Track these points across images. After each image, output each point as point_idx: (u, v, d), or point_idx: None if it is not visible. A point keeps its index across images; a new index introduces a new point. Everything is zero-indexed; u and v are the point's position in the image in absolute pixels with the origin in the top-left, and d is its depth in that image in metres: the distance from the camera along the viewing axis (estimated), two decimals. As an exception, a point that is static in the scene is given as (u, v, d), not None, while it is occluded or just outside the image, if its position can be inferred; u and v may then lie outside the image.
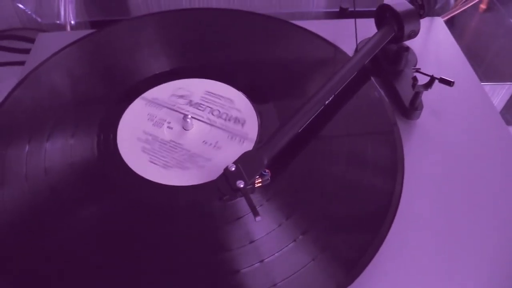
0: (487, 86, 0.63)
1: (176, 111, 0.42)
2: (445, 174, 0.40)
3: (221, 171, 0.34)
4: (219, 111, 0.42)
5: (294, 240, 0.33)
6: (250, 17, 0.52)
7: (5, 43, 0.66)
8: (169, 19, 0.52)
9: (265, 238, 0.33)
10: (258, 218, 0.31)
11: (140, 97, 0.43)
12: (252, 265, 0.32)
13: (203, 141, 0.40)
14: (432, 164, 0.41)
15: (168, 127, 0.41)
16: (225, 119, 0.41)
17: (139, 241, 0.34)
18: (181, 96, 0.43)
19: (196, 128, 0.41)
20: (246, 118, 0.42)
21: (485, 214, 0.38)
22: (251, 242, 0.33)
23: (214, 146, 0.39)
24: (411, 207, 0.37)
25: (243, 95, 0.44)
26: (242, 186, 0.32)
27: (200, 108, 0.42)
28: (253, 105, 0.43)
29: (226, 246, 0.33)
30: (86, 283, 0.32)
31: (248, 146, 0.39)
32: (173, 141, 0.40)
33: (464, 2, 0.63)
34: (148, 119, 0.41)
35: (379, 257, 0.33)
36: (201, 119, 0.42)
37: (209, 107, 0.43)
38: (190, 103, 0.43)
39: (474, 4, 0.63)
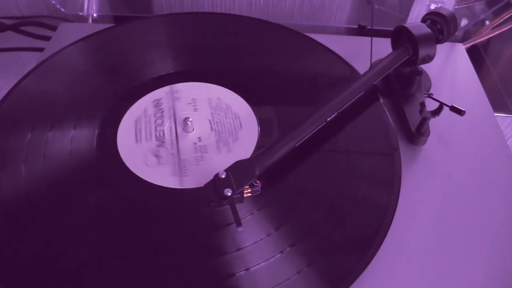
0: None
1: (176, 113, 0.42)
2: (443, 204, 0.39)
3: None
4: (219, 114, 0.42)
5: (281, 252, 0.33)
6: (259, 24, 0.52)
7: (31, 29, 0.67)
8: (179, 22, 0.53)
9: (253, 246, 0.33)
10: (240, 229, 0.31)
11: (141, 99, 0.44)
12: (238, 272, 0.32)
13: (204, 144, 0.40)
14: (431, 192, 0.40)
15: (168, 129, 0.41)
16: (225, 123, 0.42)
17: (128, 237, 0.34)
18: (180, 99, 0.44)
19: (197, 131, 0.41)
20: (246, 122, 0.42)
21: (479, 252, 0.37)
22: (238, 249, 0.33)
23: (215, 149, 0.40)
24: (402, 232, 0.37)
25: (244, 101, 0.44)
26: (229, 194, 0.32)
27: (200, 110, 0.43)
28: (253, 110, 0.43)
29: (213, 252, 0.33)
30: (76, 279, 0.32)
31: (249, 148, 0.40)
32: (174, 143, 0.40)
33: (491, 29, 0.61)
34: (148, 121, 0.41)
35: (362, 279, 0.32)
36: (201, 121, 0.42)
37: (210, 110, 0.43)
38: (190, 106, 0.43)
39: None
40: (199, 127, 0.41)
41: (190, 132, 0.41)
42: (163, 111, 0.42)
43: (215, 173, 0.33)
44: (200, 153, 0.39)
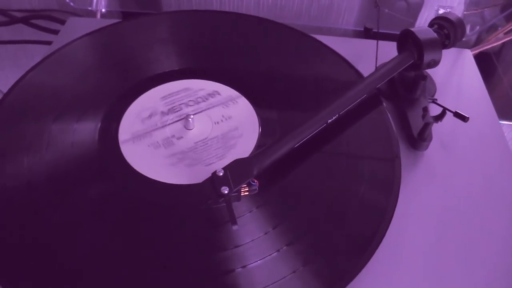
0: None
1: (177, 110, 0.42)
2: (442, 210, 0.39)
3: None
4: (192, 100, 0.43)
5: (278, 250, 0.33)
6: (265, 24, 0.52)
7: (41, 22, 0.68)
8: (186, 19, 0.53)
9: (250, 244, 0.34)
10: (235, 227, 0.31)
11: (144, 94, 0.44)
12: (235, 269, 0.32)
13: (206, 139, 0.40)
14: (431, 198, 0.40)
15: (169, 125, 0.41)
16: (227, 121, 0.42)
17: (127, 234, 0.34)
18: (184, 96, 0.44)
19: (198, 128, 0.41)
20: (247, 121, 0.42)
21: (477, 259, 0.36)
22: (236, 246, 0.33)
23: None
24: (399, 235, 0.37)
25: (247, 99, 0.44)
26: (226, 192, 0.32)
27: (202, 108, 0.43)
28: (255, 110, 0.43)
29: (211, 248, 0.33)
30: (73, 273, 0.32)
31: (249, 147, 0.40)
32: (175, 139, 0.40)
33: (503, 35, 0.60)
34: (150, 116, 0.42)
35: (357, 281, 0.32)
36: (203, 119, 0.42)
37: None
38: (189, 102, 0.43)
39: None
40: (200, 125, 0.41)
41: (191, 129, 0.41)
42: (165, 107, 0.43)
43: (213, 170, 0.33)
44: (200, 151, 0.39)
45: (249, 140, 0.40)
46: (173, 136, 0.40)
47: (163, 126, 0.41)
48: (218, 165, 0.34)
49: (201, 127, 0.41)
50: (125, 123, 0.41)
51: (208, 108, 0.43)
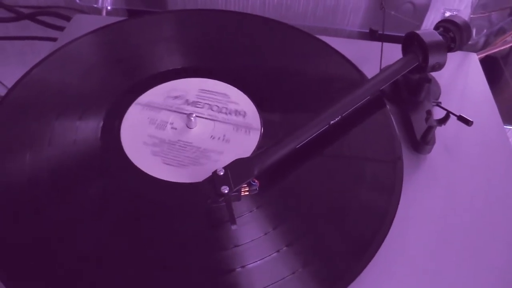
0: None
1: (176, 111, 0.42)
2: (444, 214, 0.39)
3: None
4: (217, 106, 0.43)
5: (278, 251, 0.33)
6: (269, 24, 0.52)
7: (46, 18, 0.68)
8: (190, 18, 0.53)
9: (250, 244, 0.34)
10: (234, 227, 0.31)
11: (148, 91, 0.44)
12: (234, 269, 0.32)
13: (205, 140, 0.40)
14: (432, 201, 0.40)
15: (172, 127, 0.41)
16: (226, 113, 0.42)
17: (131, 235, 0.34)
18: (178, 97, 0.44)
19: (200, 126, 0.41)
20: (250, 121, 0.42)
21: (479, 265, 0.36)
22: (236, 246, 0.33)
23: (223, 140, 0.40)
24: (400, 237, 0.36)
25: (250, 99, 0.44)
26: (226, 192, 0.32)
27: (198, 105, 0.43)
28: (257, 110, 0.43)
29: (210, 247, 0.33)
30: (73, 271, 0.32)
31: (254, 136, 0.40)
32: (176, 138, 0.40)
33: (506, 41, 0.60)
34: (149, 122, 0.41)
35: (357, 282, 0.32)
36: (203, 116, 0.42)
37: (207, 103, 0.43)
38: (187, 102, 0.43)
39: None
40: (202, 124, 0.41)
41: (193, 128, 0.41)
42: (169, 105, 0.43)
43: (212, 170, 0.33)
44: (201, 150, 0.39)
45: (250, 140, 0.40)
46: (174, 134, 0.40)
47: (165, 124, 0.41)
48: (217, 165, 0.34)
49: (203, 126, 0.41)
50: (128, 120, 0.41)
51: (212, 108, 0.43)
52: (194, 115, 0.40)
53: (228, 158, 0.38)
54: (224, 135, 0.41)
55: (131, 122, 0.41)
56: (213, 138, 0.40)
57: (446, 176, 0.42)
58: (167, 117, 0.42)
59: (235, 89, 0.45)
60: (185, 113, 0.41)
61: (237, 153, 0.38)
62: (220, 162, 0.38)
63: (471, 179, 0.42)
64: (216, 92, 0.44)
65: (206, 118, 0.42)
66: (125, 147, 0.39)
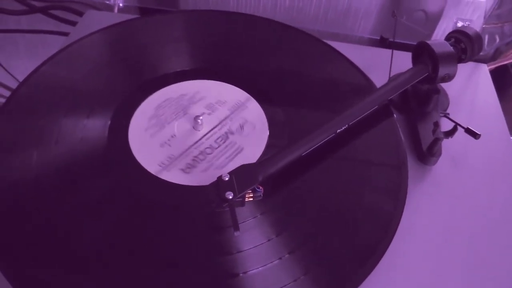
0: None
1: (189, 110, 0.43)
2: (447, 226, 0.39)
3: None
4: (231, 115, 0.43)
5: (280, 258, 0.33)
6: (279, 28, 0.52)
7: (59, 13, 0.69)
8: (201, 19, 0.53)
9: (252, 250, 0.34)
10: (237, 233, 0.31)
11: (156, 92, 0.44)
12: (235, 275, 0.32)
13: (210, 143, 0.40)
14: (436, 212, 0.40)
15: (178, 130, 0.41)
16: (236, 124, 0.42)
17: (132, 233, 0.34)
18: (196, 96, 0.44)
19: (207, 127, 0.41)
20: (257, 125, 0.42)
21: (482, 278, 0.36)
22: (238, 252, 0.33)
23: (230, 140, 0.40)
24: (403, 247, 0.37)
25: (258, 103, 0.44)
26: (230, 197, 0.32)
27: (212, 110, 0.43)
28: (265, 114, 0.43)
29: (212, 252, 0.34)
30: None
31: (261, 143, 0.40)
32: (182, 139, 0.40)
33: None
34: (157, 123, 0.42)
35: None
36: (212, 121, 0.42)
37: (223, 111, 0.43)
38: (204, 104, 0.43)
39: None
40: (209, 126, 0.41)
41: (199, 130, 0.41)
42: (177, 106, 0.43)
43: (218, 175, 0.34)
44: (203, 153, 0.39)
45: (257, 146, 0.40)
46: (181, 135, 0.41)
47: (173, 125, 0.41)
48: (221, 169, 0.34)
49: (209, 128, 0.41)
50: (136, 119, 0.42)
51: (219, 110, 0.43)
52: (201, 117, 0.40)
53: (236, 157, 0.39)
54: (231, 135, 0.41)
55: (139, 122, 0.41)
56: (220, 138, 0.41)
57: (451, 187, 0.42)
58: (174, 119, 0.42)
59: (241, 90, 0.45)
60: (192, 115, 0.42)
61: (246, 152, 0.39)
62: (227, 161, 0.39)
63: (476, 191, 0.42)
64: (221, 94, 0.44)
65: (212, 120, 0.42)
66: (133, 148, 0.39)
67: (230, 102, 0.44)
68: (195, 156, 0.39)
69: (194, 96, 0.44)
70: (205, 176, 0.37)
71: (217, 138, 0.41)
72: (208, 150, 0.40)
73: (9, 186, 0.36)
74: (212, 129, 0.41)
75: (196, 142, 0.40)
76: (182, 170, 0.38)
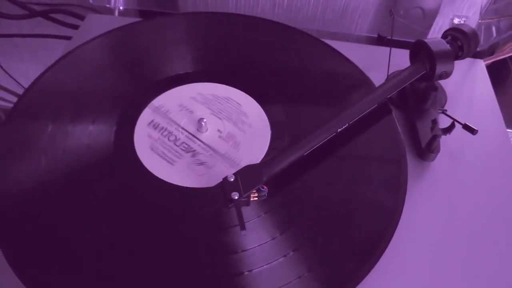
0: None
1: (193, 112, 0.43)
2: (446, 221, 0.40)
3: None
4: (224, 108, 0.44)
5: (284, 256, 0.34)
6: (278, 28, 0.53)
7: (59, 16, 0.69)
8: (202, 21, 0.54)
9: (257, 249, 0.34)
10: (243, 232, 0.32)
11: (161, 95, 0.45)
12: (241, 273, 0.33)
13: (214, 147, 0.41)
14: (436, 208, 0.40)
15: (183, 127, 0.42)
16: (239, 129, 0.43)
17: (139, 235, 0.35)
18: (199, 99, 0.45)
19: (211, 129, 0.42)
20: (259, 126, 0.43)
21: (483, 273, 0.37)
22: (243, 251, 0.34)
23: (232, 145, 0.41)
24: (404, 243, 0.38)
25: (260, 106, 0.45)
26: (236, 198, 0.33)
27: (217, 113, 0.44)
28: (266, 115, 0.44)
29: (218, 252, 0.34)
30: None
31: (264, 143, 0.41)
32: (186, 142, 0.41)
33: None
34: (161, 127, 0.42)
35: (362, 286, 0.33)
36: (216, 124, 0.43)
37: (214, 106, 0.44)
38: (207, 106, 0.44)
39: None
40: (213, 129, 0.42)
41: (204, 132, 0.42)
42: (180, 109, 0.44)
43: (222, 176, 0.34)
44: (206, 155, 0.40)
45: (259, 148, 0.41)
46: (185, 138, 0.41)
47: (177, 127, 0.42)
48: (245, 161, 0.35)
49: (213, 131, 0.42)
50: (141, 124, 0.42)
51: (224, 114, 0.44)
52: (204, 119, 0.41)
53: (242, 155, 0.40)
54: (234, 136, 0.42)
55: (144, 126, 0.42)
56: (223, 140, 0.41)
57: (450, 182, 0.42)
58: (178, 122, 0.43)
59: (243, 92, 0.46)
60: (196, 118, 0.42)
61: (249, 153, 0.40)
62: (231, 162, 0.39)
63: (475, 186, 0.42)
64: (224, 96, 0.45)
65: (216, 122, 0.43)
66: (139, 152, 0.40)
67: (232, 104, 0.45)
68: (200, 158, 0.40)
69: (197, 98, 0.45)
70: (210, 177, 0.38)
71: (221, 140, 0.42)
72: (212, 152, 0.41)
73: (20, 192, 0.37)
74: (215, 131, 0.42)
75: (201, 144, 0.41)
76: (187, 172, 0.39)
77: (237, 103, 0.45)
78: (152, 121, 0.43)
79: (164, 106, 0.44)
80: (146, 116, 0.43)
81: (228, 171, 0.35)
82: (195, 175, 0.39)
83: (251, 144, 0.41)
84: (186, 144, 0.41)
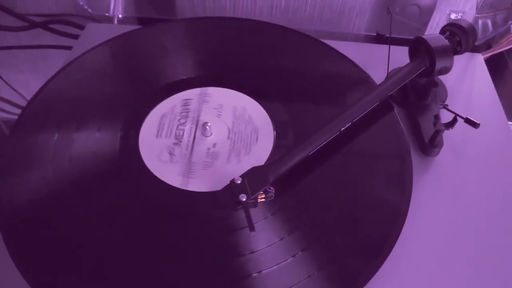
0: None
1: (199, 116, 0.44)
2: (453, 216, 0.40)
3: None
4: (240, 124, 0.44)
5: (293, 256, 0.34)
6: (279, 31, 0.53)
7: (58, 27, 0.70)
8: (204, 26, 0.54)
9: (266, 250, 0.35)
10: (253, 234, 0.32)
11: (169, 98, 0.45)
12: (250, 275, 0.33)
13: (217, 150, 0.41)
14: (442, 203, 0.41)
15: (188, 130, 0.42)
16: (244, 134, 0.43)
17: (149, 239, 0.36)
18: (208, 103, 0.45)
19: (214, 136, 0.42)
20: (263, 134, 0.43)
21: (489, 264, 0.37)
22: (252, 252, 0.34)
23: (226, 157, 0.41)
24: (412, 238, 0.38)
25: (259, 104, 0.45)
26: (244, 200, 0.33)
27: (222, 117, 0.44)
28: (272, 121, 0.44)
29: (227, 254, 0.35)
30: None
31: (267, 144, 0.42)
32: (190, 144, 0.41)
33: (510, 41, 0.61)
34: (172, 119, 0.43)
35: (372, 283, 0.34)
36: (221, 128, 0.43)
37: (232, 119, 0.44)
38: (215, 111, 0.44)
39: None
40: (217, 133, 0.42)
41: (208, 136, 0.42)
42: (185, 114, 0.44)
43: (229, 178, 0.35)
44: (211, 159, 0.41)
45: (262, 154, 0.41)
46: (189, 140, 0.42)
47: (182, 130, 0.43)
48: (227, 175, 0.35)
49: (217, 135, 0.42)
50: (148, 122, 0.43)
51: (229, 118, 0.44)
52: (209, 123, 0.42)
53: (245, 160, 0.40)
54: (238, 139, 0.42)
55: (149, 132, 0.42)
56: (228, 143, 0.42)
57: (454, 177, 0.43)
58: (182, 127, 0.43)
59: (245, 95, 0.46)
60: (200, 122, 0.43)
61: (254, 155, 0.40)
62: (237, 165, 0.40)
63: (479, 179, 0.43)
64: (226, 99, 0.46)
65: (220, 125, 0.43)
66: (144, 158, 0.40)
67: (235, 107, 0.45)
68: (205, 162, 0.40)
69: (200, 102, 0.45)
70: (216, 180, 0.38)
71: (225, 143, 0.42)
72: (217, 155, 0.41)
73: (29, 202, 0.37)
74: (220, 135, 0.42)
75: (205, 148, 0.41)
76: (192, 176, 0.39)
77: (240, 105, 0.45)
78: (157, 126, 0.43)
79: (168, 111, 0.44)
80: (150, 121, 0.43)
81: (234, 174, 0.35)
82: (202, 179, 0.39)
83: (255, 145, 0.42)
84: (191, 148, 0.41)
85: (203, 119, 0.43)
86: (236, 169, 0.40)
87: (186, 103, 0.45)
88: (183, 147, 0.41)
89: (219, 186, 0.36)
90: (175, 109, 0.44)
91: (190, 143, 0.42)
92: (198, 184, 0.38)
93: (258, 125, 0.43)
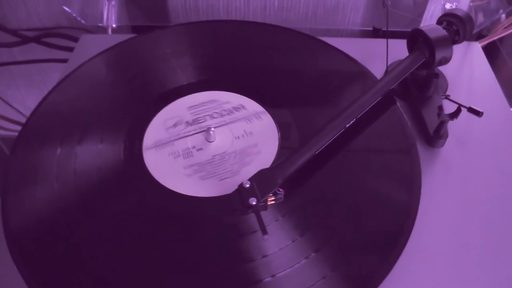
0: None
1: (202, 122, 0.43)
2: (463, 207, 0.40)
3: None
4: (216, 112, 0.44)
5: (307, 257, 0.34)
6: (275, 30, 0.53)
7: (52, 40, 0.69)
8: (200, 31, 0.54)
9: (278, 253, 0.34)
10: (266, 237, 0.32)
11: (169, 105, 0.45)
12: (264, 279, 0.33)
13: (223, 154, 0.41)
14: (450, 195, 0.40)
15: (192, 136, 0.42)
16: (247, 135, 0.43)
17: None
18: (209, 108, 0.45)
19: (218, 141, 0.42)
20: (267, 136, 0.43)
21: (500, 255, 0.37)
22: (264, 256, 0.34)
23: (241, 152, 0.41)
24: (424, 234, 0.37)
25: (261, 105, 0.45)
26: (254, 203, 0.33)
27: (225, 121, 0.44)
28: (275, 122, 0.44)
29: (239, 259, 0.34)
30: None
31: (273, 146, 0.41)
32: (195, 150, 0.41)
33: (505, 28, 0.61)
34: (174, 127, 0.43)
35: (386, 283, 0.33)
36: (224, 132, 0.43)
37: (234, 122, 0.44)
38: (217, 115, 0.44)
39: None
40: (222, 138, 0.42)
41: (212, 141, 0.42)
42: (187, 119, 0.44)
43: (236, 183, 0.34)
44: (216, 164, 0.40)
45: (268, 155, 0.41)
46: (194, 146, 0.41)
47: (186, 136, 0.42)
48: (237, 178, 0.35)
49: (221, 140, 0.42)
50: (150, 133, 0.42)
51: (231, 122, 0.44)
52: (212, 128, 0.41)
53: (251, 163, 0.40)
54: (243, 142, 0.42)
55: (152, 140, 0.42)
56: (232, 147, 0.42)
57: (462, 166, 0.43)
58: (186, 132, 0.43)
59: (248, 98, 0.46)
60: (203, 127, 0.42)
61: (260, 157, 0.40)
62: (243, 168, 0.40)
63: (487, 168, 0.42)
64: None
65: (223, 130, 0.43)
66: (149, 167, 0.40)
67: (238, 110, 0.45)
68: (210, 167, 0.40)
69: (202, 107, 0.45)
70: (223, 185, 0.38)
71: (230, 147, 0.42)
72: (222, 160, 0.40)
73: (36, 219, 0.37)
74: (224, 139, 0.42)
75: (210, 153, 0.41)
76: (200, 182, 0.39)
77: (243, 108, 0.45)
78: (160, 133, 0.43)
79: (170, 117, 0.44)
80: (153, 129, 0.43)
81: (242, 178, 0.35)
82: (208, 185, 0.38)
83: (260, 148, 0.41)
84: (196, 154, 0.41)
85: (206, 124, 0.43)
86: (243, 173, 0.39)
87: (188, 108, 0.45)
88: (187, 154, 0.41)
89: (227, 191, 0.36)
90: (178, 115, 0.44)
91: (195, 149, 0.41)
92: (205, 190, 0.38)
93: (262, 128, 0.43)
